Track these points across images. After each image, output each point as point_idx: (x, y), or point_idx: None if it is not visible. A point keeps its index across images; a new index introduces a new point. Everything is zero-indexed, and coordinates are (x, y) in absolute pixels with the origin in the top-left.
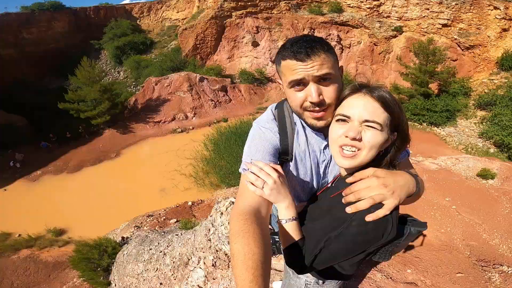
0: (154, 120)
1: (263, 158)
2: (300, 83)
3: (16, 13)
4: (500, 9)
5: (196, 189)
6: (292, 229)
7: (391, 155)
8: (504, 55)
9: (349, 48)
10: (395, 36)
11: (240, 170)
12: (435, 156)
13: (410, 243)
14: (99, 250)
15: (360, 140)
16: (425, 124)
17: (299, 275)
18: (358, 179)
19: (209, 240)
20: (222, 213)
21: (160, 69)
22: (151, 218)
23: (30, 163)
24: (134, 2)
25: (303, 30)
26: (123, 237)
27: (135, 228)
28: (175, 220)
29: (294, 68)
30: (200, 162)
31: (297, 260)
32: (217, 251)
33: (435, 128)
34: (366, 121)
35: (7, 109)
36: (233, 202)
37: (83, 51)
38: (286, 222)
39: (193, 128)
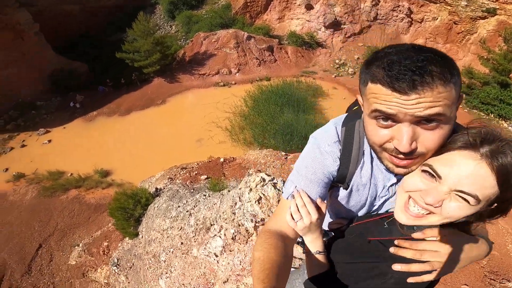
0: (200, 72)
1: (310, 189)
2: (389, 119)
3: None
4: None
5: (230, 143)
6: (318, 261)
7: (471, 223)
8: None
9: (420, 23)
10: (484, 18)
11: (283, 194)
12: None
13: None
14: (134, 200)
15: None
16: (492, 116)
17: None
18: (427, 237)
19: (233, 213)
20: (251, 189)
21: (210, 25)
22: (184, 171)
23: (88, 104)
24: None
25: None
26: (157, 188)
27: (169, 179)
28: (206, 176)
29: (385, 99)
30: (237, 117)
31: None
32: (239, 225)
33: (503, 121)
34: (461, 192)
35: (71, 58)
36: (263, 179)
37: (140, 6)
38: (312, 253)
39: (235, 83)
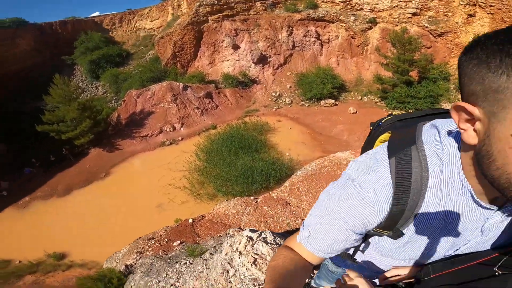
0: (141, 134)
1: (330, 247)
2: None
3: None
4: None
5: (193, 201)
6: None
7: None
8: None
9: (328, 43)
10: (370, 28)
11: (298, 236)
12: None
13: None
14: (104, 282)
15: None
16: (411, 111)
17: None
18: None
19: (229, 282)
20: (240, 253)
21: (140, 80)
22: (153, 242)
23: (16, 190)
24: (103, 14)
25: (281, 28)
26: (126, 265)
27: (137, 254)
28: (179, 242)
29: None
30: (194, 173)
31: None
32: None
33: None
34: None
35: None
36: (251, 238)
37: (55, 69)
38: None
39: (182, 139)
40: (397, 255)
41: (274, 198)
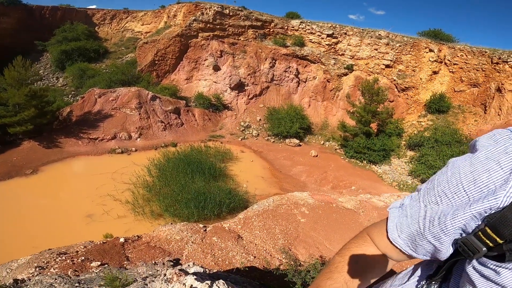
0: (90, 136)
1: (451, 215)
2: None
3: None
4: (434, 52)
5: (133, 217)
6: None
7: None
8: (432, 98)
9: (305, 82)
10: (346, 74)
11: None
12: (374, 192)
13: None
14: None
15: None
16: (365, 162)
17: None
18: None
19: None
20: None
21: (109, 81)
22: (63, 258)
23: None
24: (99, 8)
25: (265, 59)
26: (15, 280)
27: (37, 268)
28: (100, 263)
29: None
30: (140, 188)
31: None
32: None
33: (373, 166)
34: None
35: None
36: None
37: (24, 52)
38: None
39: (136, 150)
40: None
41: (225, 229)
